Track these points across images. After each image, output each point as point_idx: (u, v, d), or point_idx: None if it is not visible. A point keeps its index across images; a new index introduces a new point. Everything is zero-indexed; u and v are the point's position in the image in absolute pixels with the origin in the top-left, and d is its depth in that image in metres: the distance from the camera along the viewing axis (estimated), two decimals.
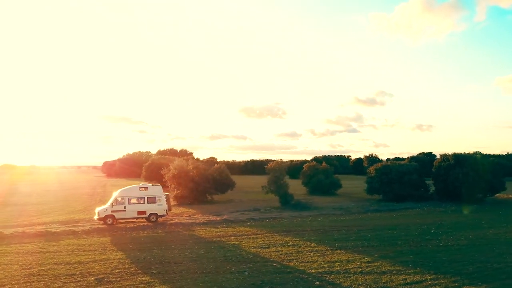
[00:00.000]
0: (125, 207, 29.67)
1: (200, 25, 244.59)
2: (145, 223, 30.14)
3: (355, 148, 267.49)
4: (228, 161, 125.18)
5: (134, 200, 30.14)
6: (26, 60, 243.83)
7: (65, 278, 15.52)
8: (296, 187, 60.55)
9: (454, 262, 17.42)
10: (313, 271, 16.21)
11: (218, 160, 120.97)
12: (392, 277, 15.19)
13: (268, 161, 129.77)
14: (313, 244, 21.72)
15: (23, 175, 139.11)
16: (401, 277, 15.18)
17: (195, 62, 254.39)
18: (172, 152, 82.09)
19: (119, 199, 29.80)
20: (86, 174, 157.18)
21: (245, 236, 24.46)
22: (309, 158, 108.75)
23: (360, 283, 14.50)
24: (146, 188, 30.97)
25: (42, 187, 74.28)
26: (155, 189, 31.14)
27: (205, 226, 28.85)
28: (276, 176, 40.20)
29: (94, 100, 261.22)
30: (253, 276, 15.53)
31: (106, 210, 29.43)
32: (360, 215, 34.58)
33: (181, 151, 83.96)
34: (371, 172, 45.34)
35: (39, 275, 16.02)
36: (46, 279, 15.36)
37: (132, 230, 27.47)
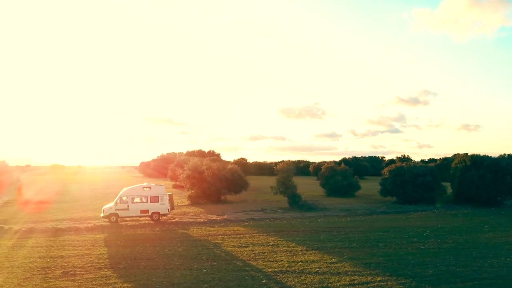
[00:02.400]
0: (128, 206, 31.04)
1: (239, 26, 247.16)
2: (148, 222, 31.37)
3: (398, 149, 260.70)
4: (259, 162, 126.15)
5: (137, 199, 31.46)
6: (75, 64, 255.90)
7: (37, 270, 16.74)
8: (316, 188, 60.58)
9: (418, 265, 17.20)
10: (269, 270, 16.57)
11: (251, 161, 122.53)
12: (342, 278, 15.28)
13: (300, 161, 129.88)
14: (292, 244, 21.97)
15: (69, 175, 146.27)
16: (351, 278, 15.27)
17: (234, 64, 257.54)
18: (200, 153, 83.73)
19: (124, 198, 31.23)
20: (126, 174, 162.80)
21: (233, 236, 25.01)
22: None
23: (306, 282, 14.73)
24: (149, 187, 32.20)
25: (77, 186, 78.10)
26: (158, 189, 32.31)
27: (202, 225, 29.66)
28: (284, 177, 40.46)
29: (138, 102, 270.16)
30: (209, 273, 16.11)
31: (111, 208, 30.95)
32: (364, 217, 34.22)
33: (209, 152, 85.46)
34: (385, 173, 44.58)
35: (17, 267, 17.38)
36: (20, 271, 16.66)
37: (131, 228, 28.72)
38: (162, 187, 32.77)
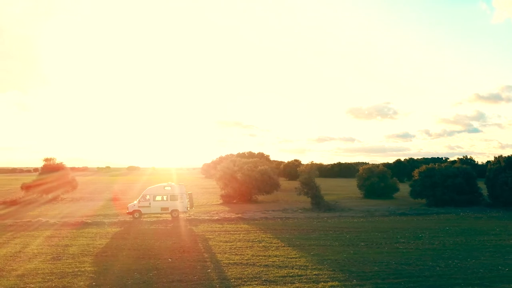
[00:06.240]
0: (150, 204, 33.95)
1: (308, 28, 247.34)
2: (167, 218, 33.98)
3: (477, 150, 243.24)
4: (316, 164, 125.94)
5: (158, 197, 34.26)
6: (154, 72, 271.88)
7: (36, 256, 19.67)
8: (356, 190, 60.03)
9: (371, 263, 17.69)
10: (226, 261, 18.04)
11: (304, 163, 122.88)
12: (282, 270, 16.36)
13: (358, 164, 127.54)
14: (275, 241, 23.14)
15: (142, 176, 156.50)
16: (290, 271, 16.28)
17: (301, 65, 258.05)
18: (250, 155, 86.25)
19: (146, 196, 34.19)
20: (194, 175, 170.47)
21: (230, 232, 26.60)
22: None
23: (244, 272, 16.04)
24: (170, 187, 34.88)
25: (139, 186, 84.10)
26: (178, 188, 34.86)
27: (212, 223, 31.58)
28: (306, 178, 41.22)
29: (211, 106, 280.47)
30: (170, 262, 17.95)
31: (134, 205, 34.06)
32: (379, 218, 34.20)
33: (258, 153, 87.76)
34: (415, 175, 43.49)
35: (24, 252, 20.52)
36: (23, 255, 19.71)
37: (148, 223, 31.40)
38: (182, 187, 35.30)
